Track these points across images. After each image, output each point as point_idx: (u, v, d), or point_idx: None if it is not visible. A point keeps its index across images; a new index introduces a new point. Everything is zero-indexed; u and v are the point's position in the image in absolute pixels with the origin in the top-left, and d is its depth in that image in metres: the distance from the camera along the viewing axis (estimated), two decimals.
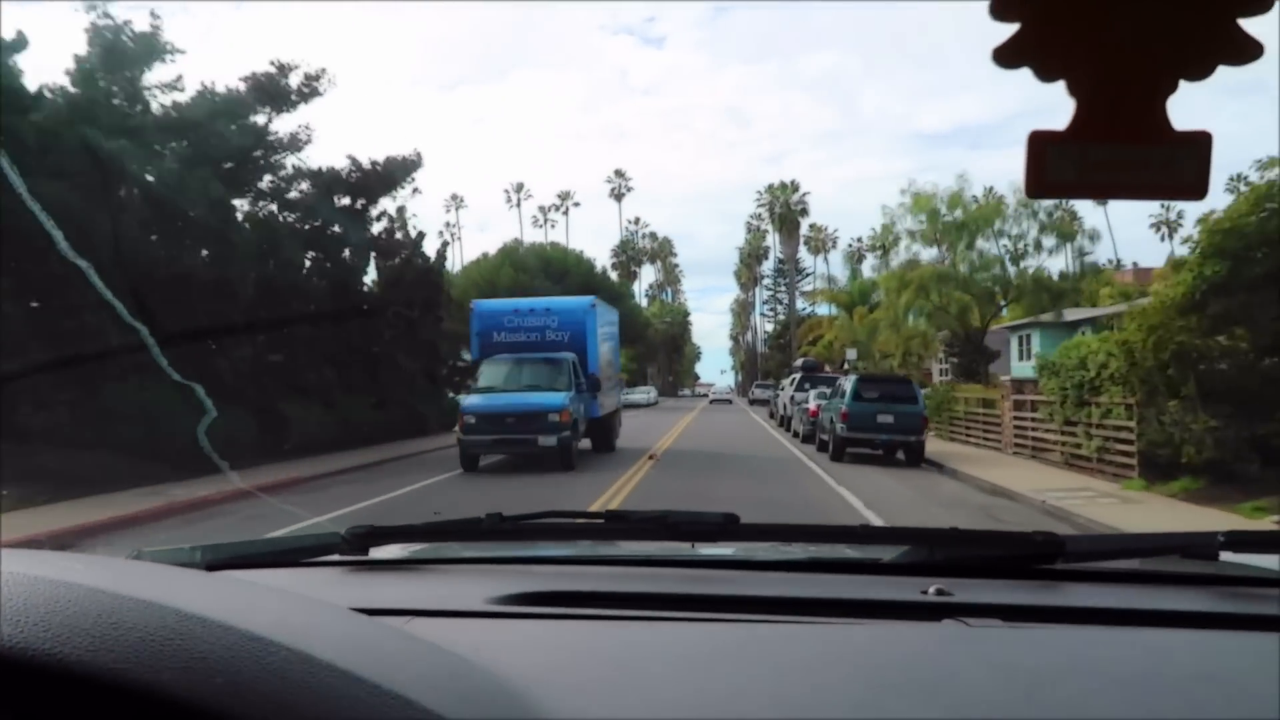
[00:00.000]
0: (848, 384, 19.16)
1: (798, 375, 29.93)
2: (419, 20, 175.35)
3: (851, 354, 40.71)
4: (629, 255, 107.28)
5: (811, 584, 1.37)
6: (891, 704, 0.86)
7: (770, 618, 1.15)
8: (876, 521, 10.13)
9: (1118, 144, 0.93)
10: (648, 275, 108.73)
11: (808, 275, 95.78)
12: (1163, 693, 0.91)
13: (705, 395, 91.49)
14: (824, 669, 0.96)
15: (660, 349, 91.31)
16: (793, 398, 27.52)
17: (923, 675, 0.94)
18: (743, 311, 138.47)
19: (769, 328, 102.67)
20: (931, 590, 1.24)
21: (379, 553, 1.53)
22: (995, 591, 1.29)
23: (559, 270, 50.99)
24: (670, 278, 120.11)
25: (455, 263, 63.92)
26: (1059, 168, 0.95)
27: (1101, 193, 1.00)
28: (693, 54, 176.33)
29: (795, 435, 25.72)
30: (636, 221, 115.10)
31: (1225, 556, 1.44)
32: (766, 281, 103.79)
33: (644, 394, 60.77)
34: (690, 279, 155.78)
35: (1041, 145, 0.95)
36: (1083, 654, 1.01)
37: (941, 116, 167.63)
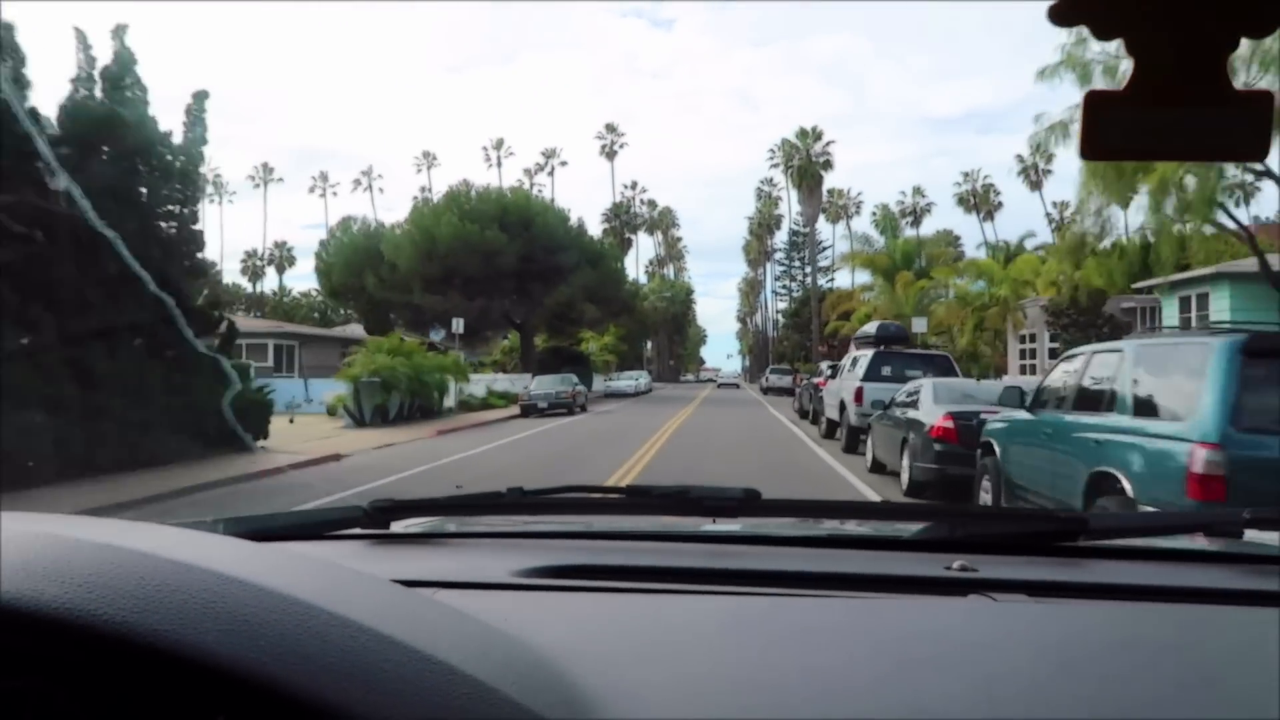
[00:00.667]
0: (863, 357, 15.99)
1: (867, 353, 16.48)
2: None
3: (920, 324, 29.29)
4: (622, 219, 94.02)
5: (833, 559, 1.38)
6: (919, 676, 0.86)
7: (793, 591, 1.15)
8: None
9: (1175, 106, 0.92)
10: (647, 248, 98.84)
11: (826, 248, 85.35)
12: (1188, 667, 0.91)
13: (711, 380, 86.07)
14: (850, 640, 0.97)
15: (660, 329, 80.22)
16: (860, 393, 15.18)
17: (950, 648, 0.93)
18: (751, 291, 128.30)
19: (782, 306, 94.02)
20: (955, 566, 1.24)
21: (401, 526, 1.54)
22: (1019, 568, 1.28)
23: (519, 221, 39.53)
24: (672, 252, 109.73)
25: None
26: (1115, 130, 0.94)
27: (1158, 155, 0.99)
28: (701, 37, 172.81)
29: (850, 451, 15.26)
30: (634, 186, 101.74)
31: (1249, 535, 1.43)
32: (779, 255, 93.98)
33: (630, 380, 51.25)
34: (697, 263, 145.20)
35: (1098, 106, 0.94)
36: (1109, 629, 1.02)
37: (952, 100, 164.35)
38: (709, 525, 1.53)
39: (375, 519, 1.47)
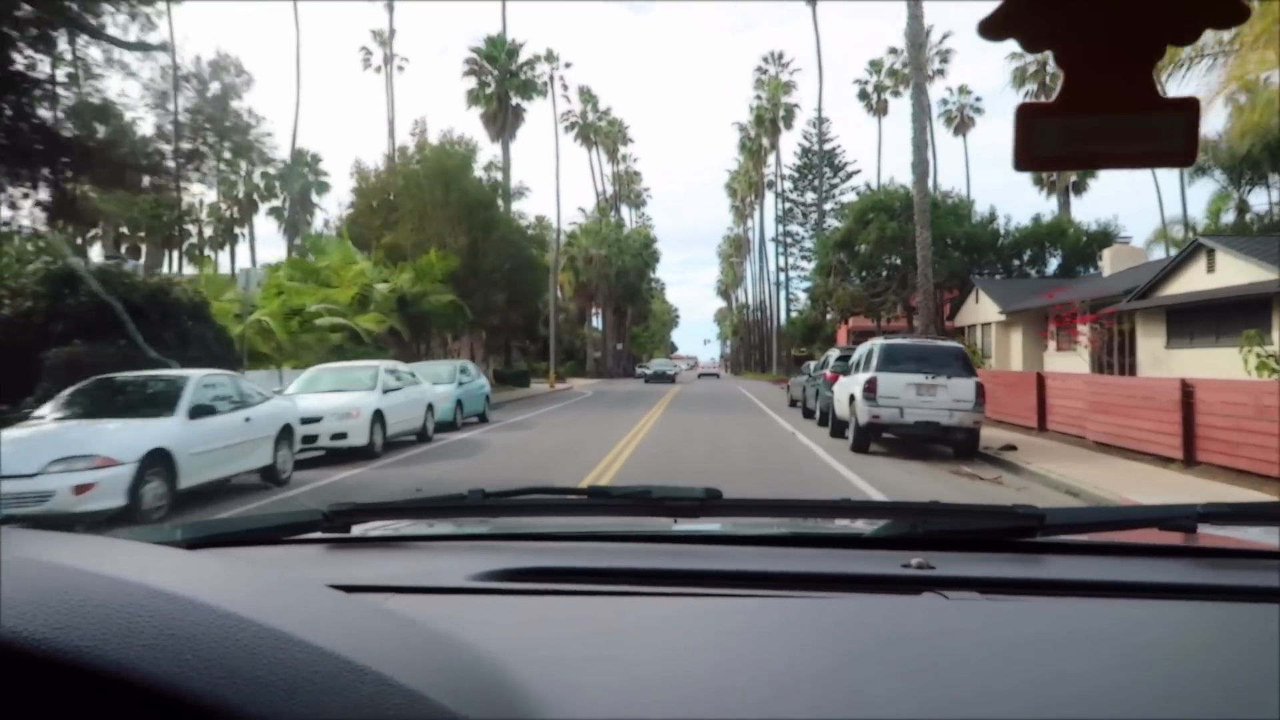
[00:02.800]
0: (873, 350, 15.04)
1: (878, 343, 15.42)
2: None
3: None
4: (503, 71, 52.28)
5: (793, 558, 1.39)
6: (869, 674, 0.88)
7: (750, 591, 1.16)
8: None
9: (1105, 115, 0.95)
10: (574, 182, 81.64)
11: (841, 180, 66.68)
12: (1139, 663, 0.92)
13: (675, 373, 74.23)
14: (803, 640, 0.98)
15: (600, 294, 64.74)
16: (873, 385, 13.91)
17: (901, 647, 0.95)
18: (736, 253, 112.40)
19: (789, 266, 74.60)
20: (913, 563, 1.26)
21: (361, 529, 1.53)
22: (975, 565, 1.30)
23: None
24: (626, 189, 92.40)
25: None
26: (1047, 140, 0.97)
27: (1090, 163, 1.01)
28: (679, 16, 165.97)
29: (861, 450, 14.22)
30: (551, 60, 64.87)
31: (1202, 529, 1.45)
32: (784, 187, 73.18)
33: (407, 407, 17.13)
34: (675, 252, 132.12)
35: (1030, 118, 0.97)
36: (1060, 625, 1.04)
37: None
38: (671, 525, 1.54)
39: (335, 522, 1.47)
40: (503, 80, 51.88)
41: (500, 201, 39.70)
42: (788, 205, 72.51)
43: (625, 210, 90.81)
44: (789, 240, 74.31)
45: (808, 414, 22.96)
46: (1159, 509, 1.57)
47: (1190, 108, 0.96)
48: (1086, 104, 0.95)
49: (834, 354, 21.81)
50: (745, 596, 1.15)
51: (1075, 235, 42.52)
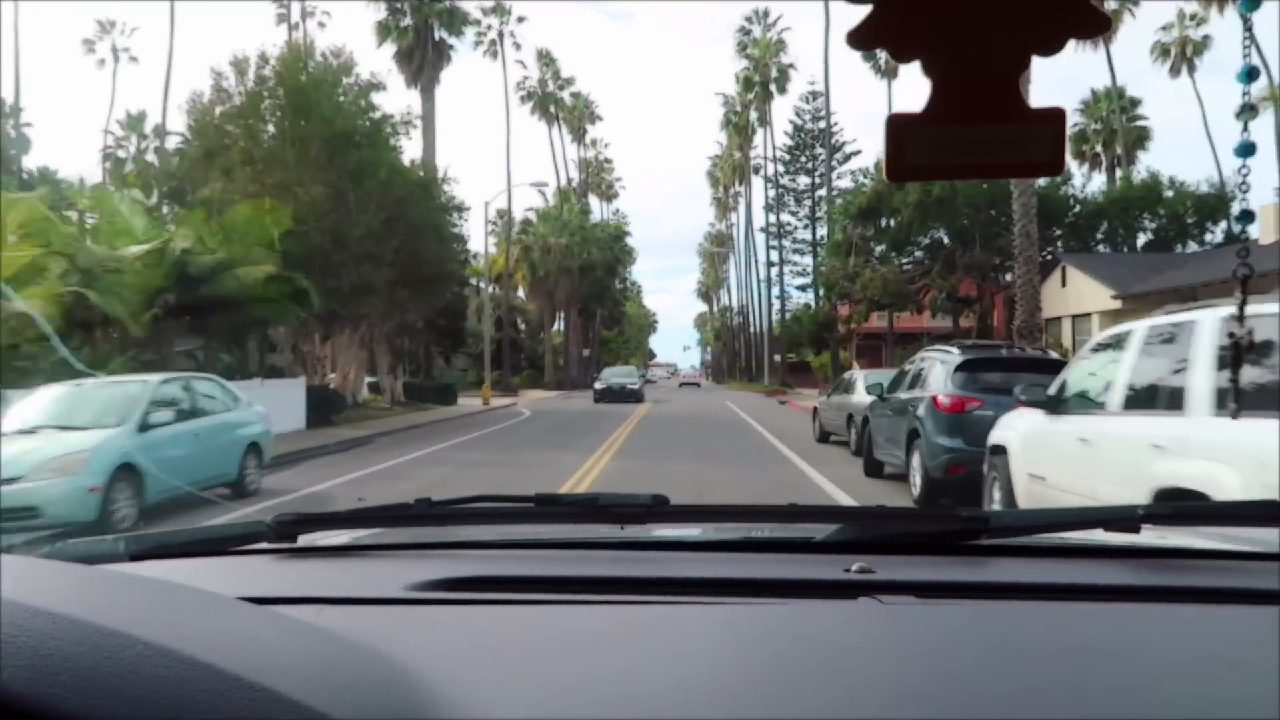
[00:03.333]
0: (938, 365, 10.42)
1: (951, 355, 10.25)
2: None
3: None
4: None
5: (739, 564, 1.41)
6: (798, 680, 0.88)
7: (693, 599, 1.17)
8: None
9: (973, 125, 0.97)
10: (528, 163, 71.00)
11: (838, 164, 56.34)
12: (1078, 664, 0.92)
13: (653, 381, 66.97)
14: (734, 648, 0.99)
15: (562, 290, 53.92)
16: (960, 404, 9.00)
17: (834, 653, 0.96)
18: (716, 243, 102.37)
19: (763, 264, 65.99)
20: (854, 568, 1.26)
21: (307, 539, 1.53)
22: (917, 569, 1.31)
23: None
24: (595, 178, 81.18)
25: None
26: (917, 152, 0.98)
27: (961, 173, 1.05)
28: (659, 28, 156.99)
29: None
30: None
31: (1146, 530, 1.45)
32: (774, 170, 63.19)
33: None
34: (654, 259, 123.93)
35: (899, 128, 0.98)
36: (994, 629, 1.05)
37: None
38: (619, 532, 1.54)
39: (281, 533, 1.47)
40: (421, 5, 40.27)
41: (405, 155, 28.00)
42: (779, 189, 61.69)
43: (596, 203, 79.90)
44: (780, 231, 63.61)
45: (872, 467, 12.72)
46: (1103, 510, 1.63)
47: (1056, 118, 0.98)
48: (954, 115, 0.97)
49: (934, 361, 10.83)
50: (688, 604, 1.15)
51: (1178, 199, 31.91)
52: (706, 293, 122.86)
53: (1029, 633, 1.03)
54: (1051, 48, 0.95)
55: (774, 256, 64.04)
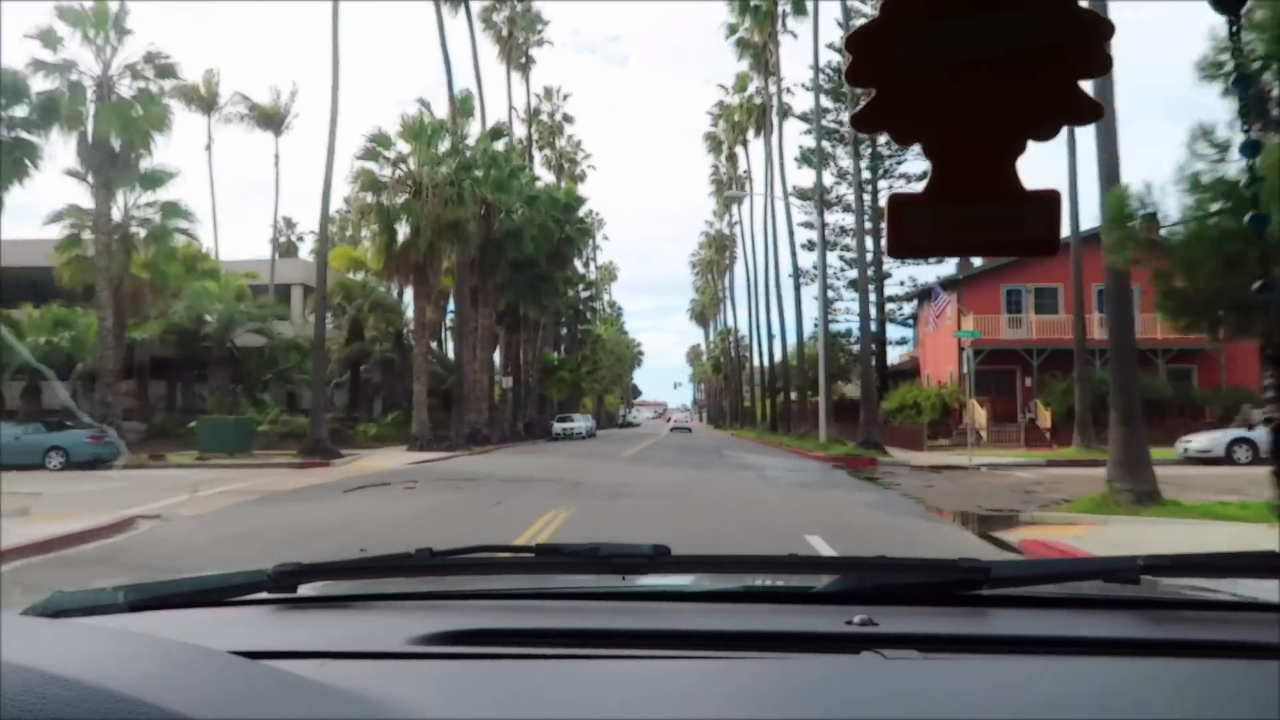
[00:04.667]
0: None
1: None
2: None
3: None
4: None
5: (740, 615, 1.40)
6: None
7: (695, 653, 1.17)
8: None
9: (971, 205, 1.01)
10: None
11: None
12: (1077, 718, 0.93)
13: (635, 424, 61.30)
14: (741, 705, 0.99)
15: (461, 267, 31.36)
16: None
17: (837, 709, 0.95)
18: (718, 258, 79.88)
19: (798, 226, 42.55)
20: (856, 620, 1.25)
21: (307, 590, 1.53)
22: (918, 620, 1.32)
23: None
24: (545, 132, 59.29)
25: None
26: (918, 229, 1.02)
27: (958, 250, 1.07)
28: (655, 73, 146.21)
29: None
30: None
31: (1146, 580, 1.45)
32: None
33: None
34: (645, 299, 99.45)
35: (900, 207, 1.02)
36: (998, 684, 1.04)
37: None
38: (620, 582, 1.54)
39: (280, 583, 1.46)
40: None
41: None
42: (822, 134, 37.34)
43: (553, 179, 55.85)
44: (822, 198, 39.62)
45: None
46: (1104, 560, 1.58)
47: (1052, 200, 1.01)
48: (954, 194, 1.00)
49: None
50: (691, 659, 1.14)
51: None
52: (702, 313, 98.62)
53: (1034, 689, 1.03)
54: (1046, 133, 1.00)
55: (806, 243, 39.99)
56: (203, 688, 0.74)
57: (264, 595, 1.46)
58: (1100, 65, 0.99)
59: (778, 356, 50.50)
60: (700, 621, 1.33)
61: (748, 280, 60.51)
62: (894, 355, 44.73)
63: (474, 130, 35.01)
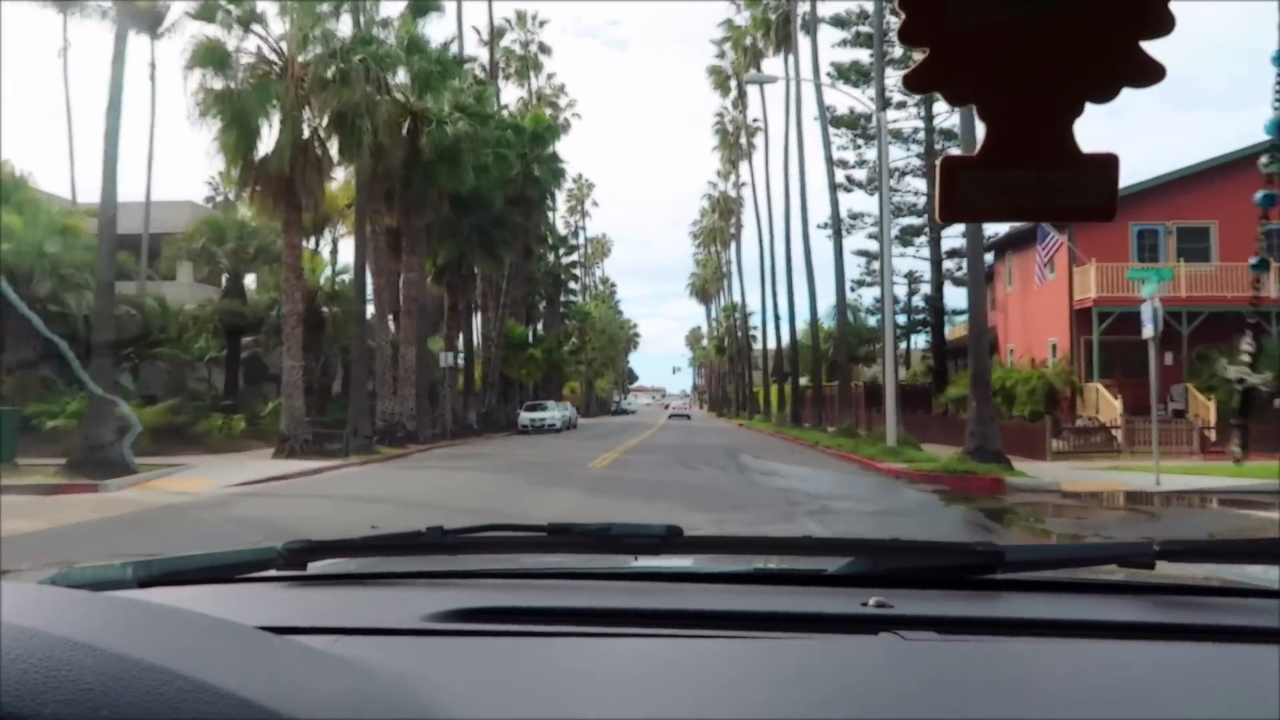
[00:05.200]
0: None
1: None
2: None
3: None
4: None
5: (753, 597, 1.40)
6: (823, 716, 0.88)
7: (709, 632, 1.16)
8: None
9: (1026, 169, 0.99)
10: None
11: None
12: (1093, 703, 0.93)
13: (630, 411, 59.08)
14: (759, 684, 0.98)
15: (376, 199, 23.53)
16: None
17: (856, 690, 0.95)
18: (722, 224, 71.49)
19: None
20: (871, 602, 1.25)
21: (317, 567, 1.52)
22: (934, 603, 1.31)
23: None
24: (514, 63, 49.32)
25: None
26: (970, 193, 1.00)
27: (1013, 215, 1.06)
28: (654, 56, 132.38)
29: None
30: None
31: (1161, 565, 1.44)
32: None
33: None
34: (642, 285, 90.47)
35: (953, 170, 1.00)
36: (1015, 665, 1.05)
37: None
38: (632, 563, 1.54)
39: (290, 560, 1.46)
40: None
41: None
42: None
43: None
44: (865, 131, 29.88)
45: None
46: (1118, 546, 1.57)
47: (1110, 164, 0.99)
48: (1008, 158, 0.98)
49: None
50: (705, 638, 1.14)
51: None
52: (703, 288, 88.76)
53: (1053, 671, 1.04)
54: (1105, 95, 0.97)
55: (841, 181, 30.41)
56: (229, 660, 0.73)
57: (273, 573, 1.46)
58: (1163, 25, 0.95)
59: (798, 330, 40.84)
60: (713, 602, 1.33)
61: (760, 244, 50.70)
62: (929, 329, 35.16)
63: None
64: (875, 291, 36.69)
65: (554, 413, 38.25)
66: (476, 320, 36.77)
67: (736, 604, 1.30)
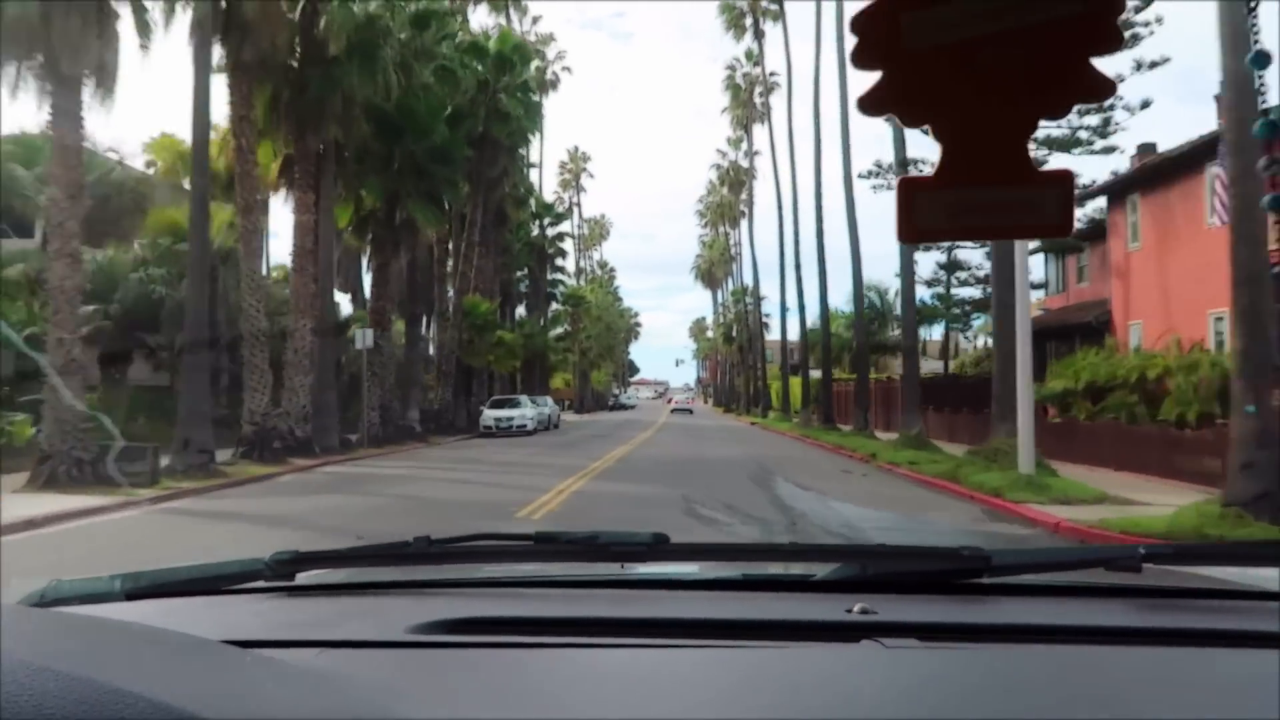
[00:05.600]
0: None
1: None
2: None
3: None
4: None
5: (740, 604, 1.41)
6: None
7: (695, 642, 1.17)
8: None
9: (983, 187, 1.00)
10: None
11: None
12: (1077, 708, 0.93)
13: (631, 406, 55.56)
14: (741, 694, 0.99)
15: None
16: None
17: (837, 698, 0.96)
18: (730, 188, 65.58)
19: None
20: (856, 609, 1.25)
21: (304, 578, 1.53)
22: (919, 609, 1.31)
23: None
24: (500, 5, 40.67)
25: None
26: (929, 213, 1.01)
27: (971, 234, 1.27)
28: (659, 48, 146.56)
29: None
30: None
31: (1148, 568, 1.45)
32: None
33: None
34: (648, 278, 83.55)
35: (910, 192, 1.01)
36: (998, 672, 1.05)
37: None
38: (619, 570, 1.53)
39: (278, 571, 1.45)
40: None
41: None
42: None
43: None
44: None
45: None
46: (1104, 549, 1.62)
47: (1065, 180, 1.00)
48: (964, 178, 0.99)
49: None
50: (691, 647, 1.14)
51: None
52: (709, 271, 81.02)
53: (1034, 677, 1.04)
54: (1058, 111, 0.99)
55: None
56: (194, 677, 0.74)
57: (261, 584, 1.45)
58: (1112, 41, 0.97)
59: (821, 312, 33.24)
60: (699, 610, 1.33)
61: (779, 213, 42.76)
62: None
63: None
64: (934, 260, 29.12)
65: (525, 411, 30.51)
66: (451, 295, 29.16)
67: (722, 612, 1.31)
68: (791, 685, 0.99)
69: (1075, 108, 1.03)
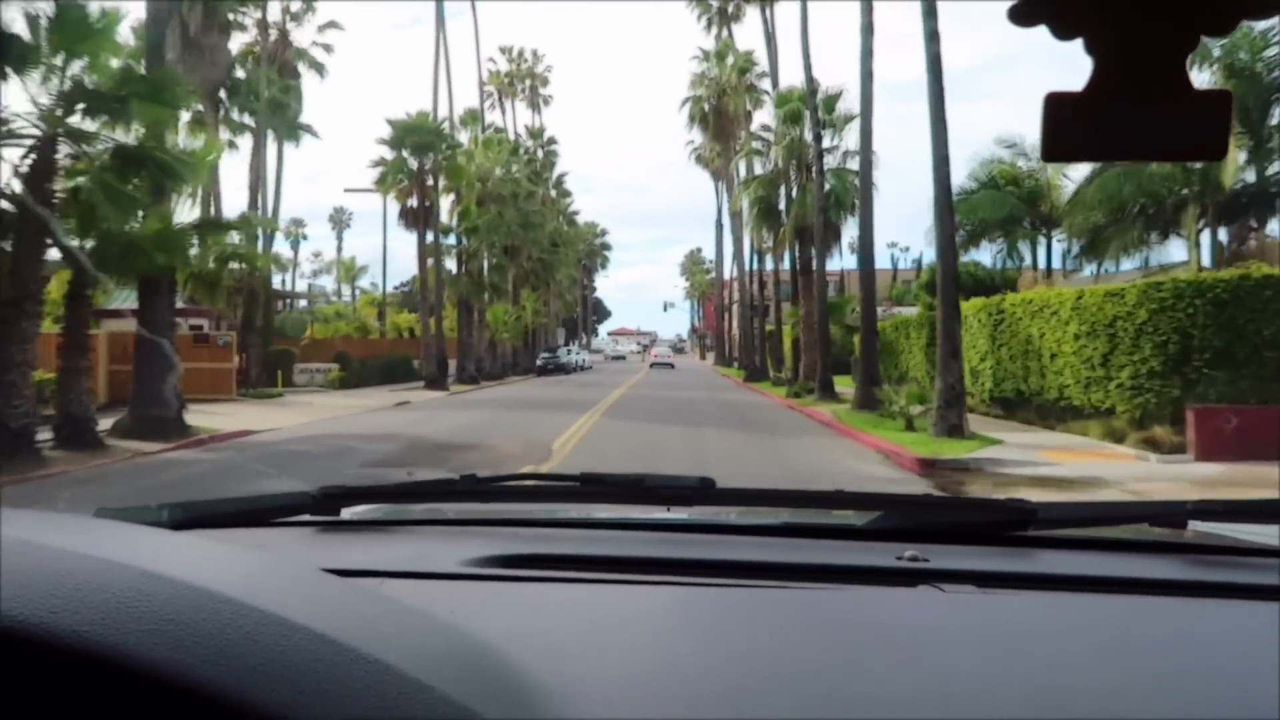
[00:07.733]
0: None
1: None
2: None
3: None
4: None
5: (785, 549, 1.40)
6: (868, 668, 0.89)
7: (744, 582, 1.18)
8: None
9: (1135, 105, 0.95)
10: None
11: None
12: (1132, 658, 0.94)
13: (584, 366, 49.40)
14: (799, 632, 0.99)
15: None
16: None
17: (899, 640, 0.96)
18: (736, 71, 45.14)
19: None
20: (906, 556, 1.26)
21: (350, 513, 1.55)
22: (968, 558, 1.31)
23: None
24: None
25: None
26: (1076, 130, 0.96)
27: (1119, 154, 1.03)
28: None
29: None
30: None
31: (1193, 524, 1.47)
32: None
33: None
34: (640, 230, 72.13)
35: (1058, 107, 0.96)
36: (1056, 619, 1.06)
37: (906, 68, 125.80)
38: (664, 514, 1.54)
39: (324, 505, 1.47)
40: None
41: None
42: None
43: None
44: None
45: None
46: (1151, 504, 1.54)
47: (1223, 101, 0.95)
48: (1116, 94, 0.94)
49: None
50: (738, 586, 1.15)
51: None
52: (718, 107, 42.56)
53: (1090, 624, 1.03)
54: (1222, 28, 0.92)
55: None
56: (297, 596, 0.72)
57: (306, 517, 1.45)
58: None
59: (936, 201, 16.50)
60: (747, 553, 1.32)
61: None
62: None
63: None
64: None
65: None
66: None
67: (770, 555, 1.30)
68: (850, 624, 1.00)
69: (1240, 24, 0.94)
